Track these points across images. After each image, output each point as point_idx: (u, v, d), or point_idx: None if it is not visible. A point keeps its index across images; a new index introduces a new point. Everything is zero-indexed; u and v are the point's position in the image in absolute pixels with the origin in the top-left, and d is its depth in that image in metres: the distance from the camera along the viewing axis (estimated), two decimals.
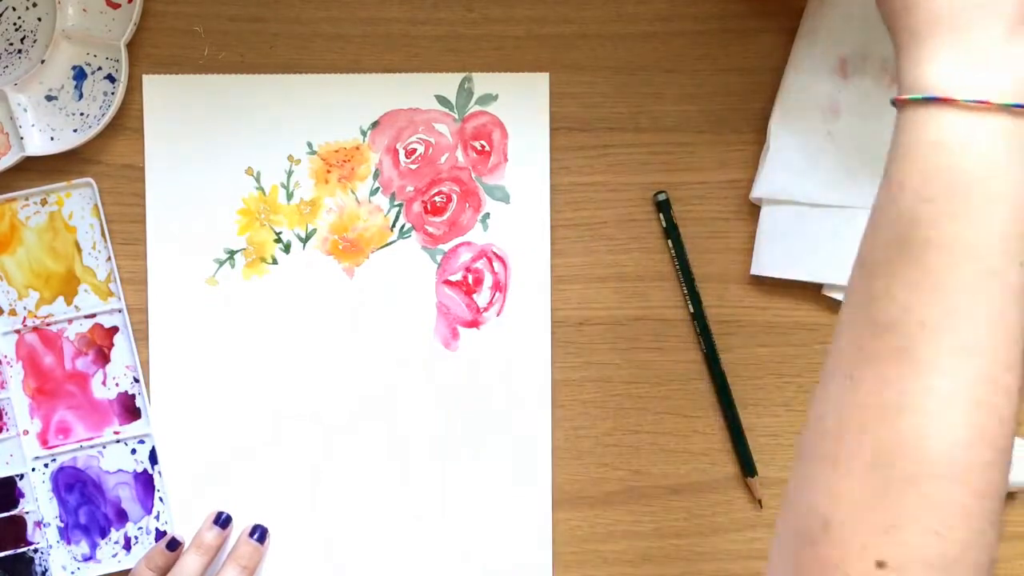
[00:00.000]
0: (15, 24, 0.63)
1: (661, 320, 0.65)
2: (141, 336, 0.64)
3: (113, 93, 0.62)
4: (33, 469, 0.64)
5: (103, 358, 0.64)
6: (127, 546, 0.65)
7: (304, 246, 0.64)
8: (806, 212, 0.63)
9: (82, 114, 0.63)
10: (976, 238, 0.37)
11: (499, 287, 0.65)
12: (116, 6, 0.63)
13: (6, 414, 0.64)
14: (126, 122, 0.64)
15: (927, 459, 0.36)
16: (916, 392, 0.37)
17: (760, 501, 0.65)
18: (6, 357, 0.64)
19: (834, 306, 0.64)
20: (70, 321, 0.64)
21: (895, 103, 0.40)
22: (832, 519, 0.38)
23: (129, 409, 0.64)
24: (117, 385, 0.64)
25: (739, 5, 0.64)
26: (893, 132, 0.40)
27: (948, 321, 0.37)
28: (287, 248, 0.64)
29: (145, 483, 0.65)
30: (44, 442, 0.64)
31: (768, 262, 0.63)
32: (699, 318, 0.64)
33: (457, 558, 0.65)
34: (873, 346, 0.38)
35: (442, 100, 0.64)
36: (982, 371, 0.37)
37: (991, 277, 0.37)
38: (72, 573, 0.65)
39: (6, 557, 0.64)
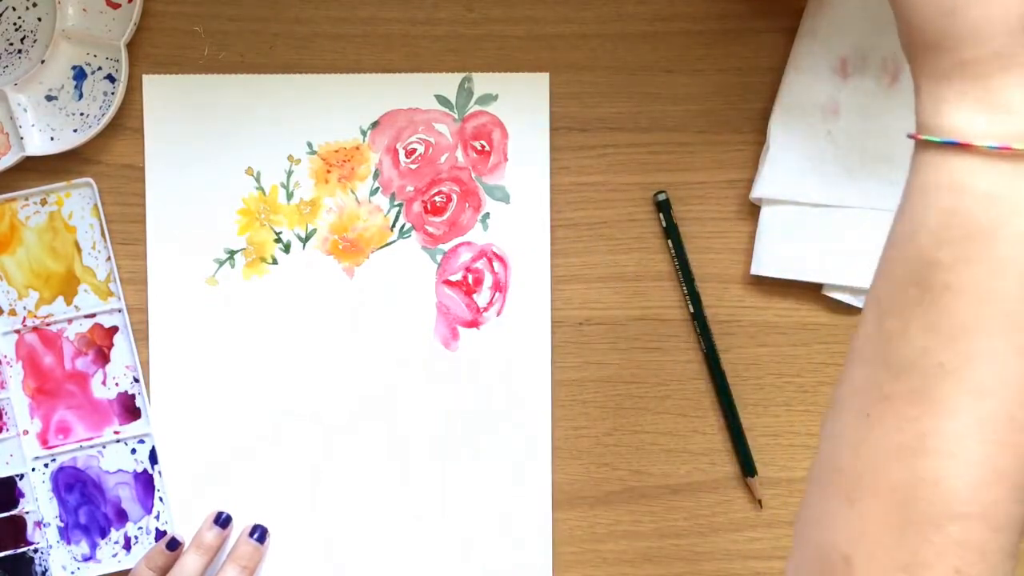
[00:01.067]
0: (15, 24, 0.63)
1: (661, 320, 0.65)
2: (141, 336, 0.64)
3: (113, 93, 0.62)
4: (33, 469, 0.64)
5: (103, 358, 0.64)
6: (127, 546, 0.65)
7: (304, 246, 0.64)
8: (806, 212, 0.63)
9: (82, 114, 0.63)
10: (995, 282, 0.37)
11: (499, 287, 0.65)
12: (116, 6, 0.63)
13: (6, 414, 0.64)
14: (126, 122, 0.64)
15: (946, 499, 0.37)
16: (934, 434, 0.38)
17: (760, 501, 0.65)
18: (6, 357, 0.64)
19: (834, 306, 0.64)
20: (70, 321, 0.64)
21: (913, 137, 0.40)
22: (854, 557, 0.39)
23: (129, 409, 0.64)
24: (117, 385, 0.64)
25: (739, 5, 0.64)
26: (910, 168, 0.40)
27: (966, 363, 0.38)
28: (287, 248, 0.64)
29: (145, 483, 0.65)
30: (44, 442, 0.64)
31: (768, 262, 0.63)
32: (699, 318, 0.64)
33: (457, 558, 0.65)
34: (890, 386, 0.39)
35: (442, 100, 0.64)
36: (1001, 410, 0.37)
37: (1010, 318, 0.38)
38: (72, 573, 0.65)
39: (6, 557, 0.64)
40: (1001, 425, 0.37)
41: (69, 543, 0.65)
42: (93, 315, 0.64)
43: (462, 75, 0.64)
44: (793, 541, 0.42)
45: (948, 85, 0.39)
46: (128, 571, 0.64)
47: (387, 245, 0.65)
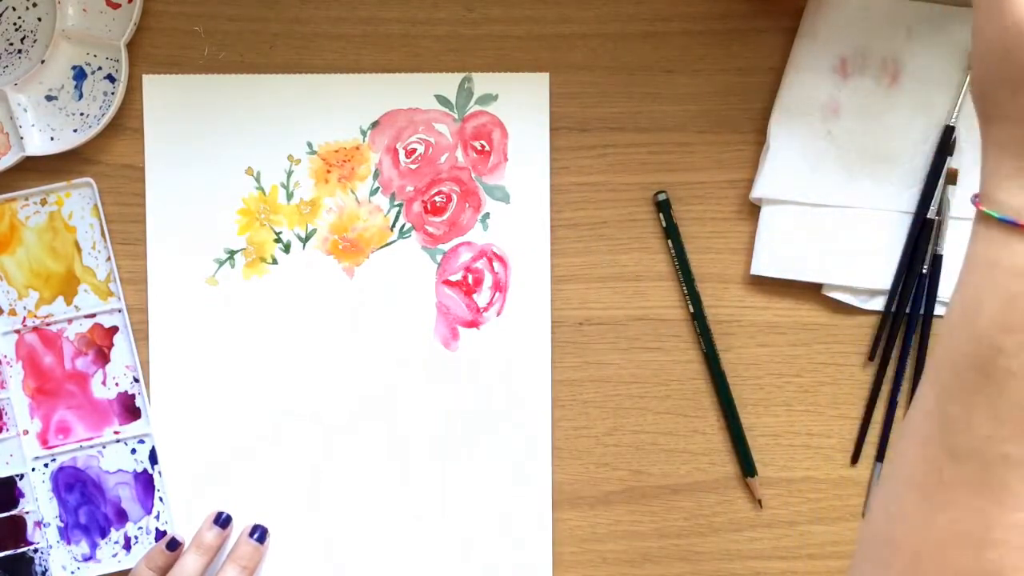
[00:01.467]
0: (15, 24, 0.63)
1: (661, 320, 0.65)
2: (141, 336, 0.64)
3: (113, 93, 0.62)
4: (33, 469, 0.64)
5: (103, 358, 0.64)
6: (127, 546, 0.65)
7: (304, 246, 0.64)
8: (806, 212, 0.63)
9: (82, 114, 0.63)
10: None
11: (499, 287, 0.65)
12: (116, 6, 0.63)
13: (6, 414, 0.64)
14: (126, 122, 0.64)
15: None
16: (999, 526, 0.37)
17: (760, 501, 0.65)
18: (6, 357, 0.64)
19: (834, 306, 0.64)
20: (70, 321, 0.64)
21: (974, 203, 0.40)
22: None
23: (129, 409, 0.64)
24: (117, 385, 0.64)
25: (739, 5, 0.64)
26: (971, 232, 0.40)
27: None
28: (287, 248, 0.64)
29: (145, 483, 0.65)
30: (44, 442, 0.64)
31: (768, 262, 0.63)
32: (699, 318, 0.64)
33: (457, 558, 0.65)
34: (950, 471, 0.38)
35: (442, 100, 0.64)
36: None
37: None
38: (72, 573, 0.65)
39: (6, 557, 0.64)
40: None
41: (69, 543, 0.65)
42: (93, 315, 0.64)
43: (462, 75, 0.64)
44: None
45: (1008, 158, 0.39)
46: (128, 571, 0.64)
47: (387, 245, 0.65)
